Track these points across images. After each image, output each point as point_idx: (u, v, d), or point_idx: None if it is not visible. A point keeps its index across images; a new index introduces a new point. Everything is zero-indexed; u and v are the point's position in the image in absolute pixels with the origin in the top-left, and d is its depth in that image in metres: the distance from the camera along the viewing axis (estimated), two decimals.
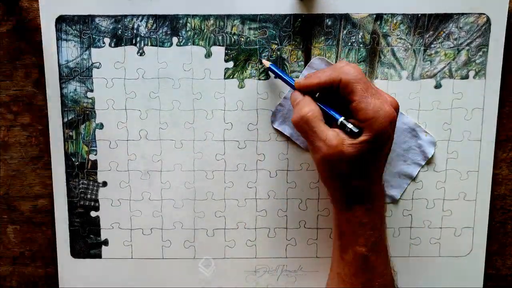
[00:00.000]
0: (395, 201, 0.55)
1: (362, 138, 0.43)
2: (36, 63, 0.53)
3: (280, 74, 0.50)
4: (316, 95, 0.47)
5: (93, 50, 0.52)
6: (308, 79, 0.46)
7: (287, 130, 0.53)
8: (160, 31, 0.52)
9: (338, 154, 0.43)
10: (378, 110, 0.42)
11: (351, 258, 0.46)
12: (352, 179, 0.44)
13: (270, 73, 0.52)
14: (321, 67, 0.52)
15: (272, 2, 0.51)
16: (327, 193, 0.49)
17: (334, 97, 0.45)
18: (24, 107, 0.54)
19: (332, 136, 0.43)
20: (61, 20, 0.51)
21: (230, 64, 0.52)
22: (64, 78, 0.53)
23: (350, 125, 0.43)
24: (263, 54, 0.52)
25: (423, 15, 0.52)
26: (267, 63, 0.51)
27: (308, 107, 0.45)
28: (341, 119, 0.44)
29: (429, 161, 0.54)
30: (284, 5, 0.52)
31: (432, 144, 0.53)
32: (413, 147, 0.53)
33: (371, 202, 0.46)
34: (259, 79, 0.53)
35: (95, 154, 0.54)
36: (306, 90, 0.46)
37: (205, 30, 0.52)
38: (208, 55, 0.52)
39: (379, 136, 0.43)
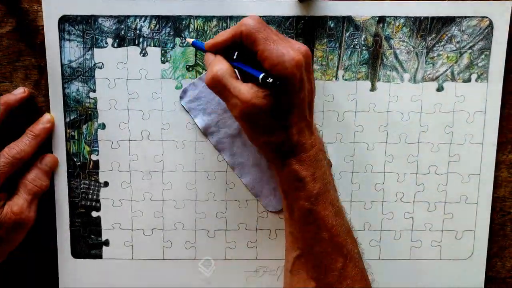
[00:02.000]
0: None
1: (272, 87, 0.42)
2: (36, 64, 0.53)
3: (199, 46, 0.49)
4: (234, 55, 0.46)
5: (95, 50, 0.52)
6: (214, 39, 0.46)
7: (193, 111, 0.53)
8: (163, 31, 0.52)
9: (253, 107, 0.42)
10: (282, 55, 0.41)
11: (297, 215, 0.46)
12: (274, 131, 0.44)
13: None
14: None
15: (275, 4, 0.52)
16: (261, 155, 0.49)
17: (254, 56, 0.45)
18: (23, 108, 0.54)
19: (245, 90, 0.42)
20: (64, 20, 0.51)
21: None
22: (67, 78, 0.52)
23: (270, 79, 0.42)
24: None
25: (426, 18, 0.52)
26: (190, 40, 0.50)
27: (218, 65, 0.44)
28: (262, 75, 0.42)
29: (431, 164, 0.54)
30: (287, 7, 0.52)
31: None
32: None
33: (305, 153, 0.45)
34: None
35: (97, 154, 0.54)
36: (216, 49, 0.46)
37: (208, 31, 0.52)
38: None
39: (288, 82, 0.42)
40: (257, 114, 0.43)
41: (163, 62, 0.53)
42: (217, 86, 0.44)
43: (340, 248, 0.46)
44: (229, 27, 0.52)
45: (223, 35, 0.45)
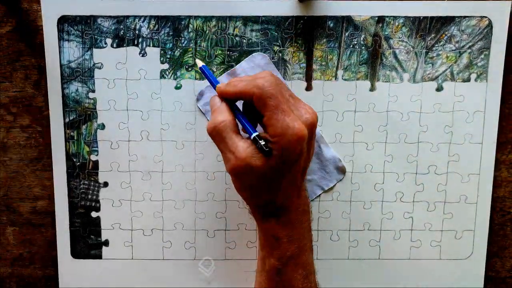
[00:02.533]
0: (323, 190, 0.55)
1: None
2: (36, 64, 0.53)
3: (208, 76, 0.48)
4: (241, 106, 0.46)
5: (95, 50, 0.52)
6: (227, 86, 0.45)
7: (209, 113, 0.53)
8: (162, 32, 0.52)
9: (245, 167, 0.42)
10: (287, 128, 0.41)
11: (267, 270, 0.46)
12: (262, 193, 0.44)
13: None
14: (262, 63, 0.52)
15: (274, 4, 0.52)
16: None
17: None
18: (23, 109, 0.54)
19: (241, 148, 0.42)
20: (63, 21, 0.51)
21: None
22: (66, 78, 0.52)
23: (262, 142, 0.42)
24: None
25: (425, 17, 0.52)
26: (200, 63, 0.49)
27: (222, 117, 0.44)
28: (254, 134, 0.43)
29: (430, 164, 0.54)
30: (286, 6, 0.52)
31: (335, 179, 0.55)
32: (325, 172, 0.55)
33: (286, 215, 0.45)
34: None
35: (96, 155, 0.54)
36: (226, 97, 0.45)
37: (207, 31, 0.52)
38: (209, 56, 0.52)
39: (287, 153, 0.42)
40: (247, 173, 0.43)
41: (162, 62, 0.53)
42: (217, 136, 0.44)
43: None
44: (228, 28, 0.52)
45: (237, 87, 0.44)
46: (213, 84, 0.47)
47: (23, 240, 0.57)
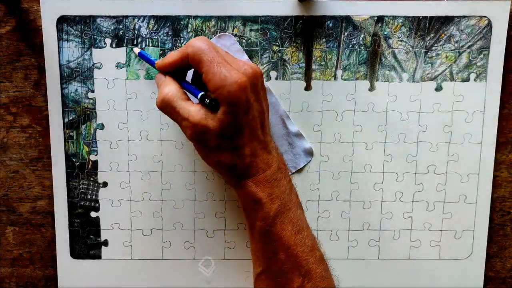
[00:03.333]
0: (291, 173, 0.55)
1: (220, 110, 0.42)
2: (36, 64, 0.53)
3: (148, 58, 0.49)
4: (187, 75, 0.46)
5: (94, 50, 0.52)
6: (164, 59, 0.46)
7: None
8: (161, 32, 0.52)
9: (202, 128, 0.43)
10: (224, 79, 0.41)
11: (256, 234, 0.46)
12: (224, 152, 0.44)
13: (270, 74, 0.52)
14: (228, 44, 0.52)
15: (274, 4, 0.52)
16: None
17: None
18: (23, 109, 0.54)
19: (194, 112, 0.43)
20: (62, 21, 0.51)
21: None
22: (65, 78, 0.52)
23: (207, 100, 0.42)
24: (264, 56, 0.52)
25: (424, 17, 0.52)
26: (136, 50, 0.50)
27: (168, 88, 0.44)
28: (200, 94, 0.43)
29: (429, 164, 0.54)
30: (286, 6, 0.52)
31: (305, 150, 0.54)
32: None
33: (259, 174, 0.45)
34: None
35: (96, 155, 0.54)
36: (167, 70, 0.46)
37: (207, 31, 0.52)
38: None
39: (233, 104, 0.42)
40: (206, 135, 0.43)
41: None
42: (167, 108, 0.44)
43: (298, 268, 0.45)
44: (228, 27, 0.52)
45: (172, 56, 0.45)
46: (153, 64, 0.48)
47: (22, 240, 0.57)
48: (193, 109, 0.43)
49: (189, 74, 0.49)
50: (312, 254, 0.46)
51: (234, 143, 0.44)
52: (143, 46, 0.52)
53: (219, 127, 0.42)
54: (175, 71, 0.46)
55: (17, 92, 0.54)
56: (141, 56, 0.50)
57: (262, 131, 0.45)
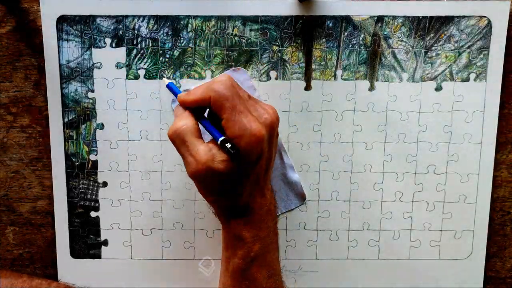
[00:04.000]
0: (281, 212, 0.55)
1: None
2: (36, 64, 0.53)
3: (175, 91, 0.48)
4: (206, 112, 0.46)
5: (94, 50, 0.52)
6: (187, 95, 0.45)
7: None
8: (161, 31, 0.52)
9: (207, 170, 0.42)
10: (244, 129, 0.41)
11: (231, 271, 0.46)
12: (225, 195, 0.44)
13: (270, 74, 0.52)
14: (242, 79, 0.52)
15: (273, 4, 0.52)
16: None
17: None
18: (23, 109, 0.54)
19: (202, 152, 0.42)
20: (62, 20, 0.51)
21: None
22: (65, 78, 0.52)
23: (229, 144, 0.42)
24: (264, 56, 0.52)
25: (424, 17, 0.52)
26: (166, 81, 0.49)
27: (183, 121, 0.43)
28: (221, 138, 0.42)
29: (429, 164, 0.54)
30: (286, 6, 0.52)
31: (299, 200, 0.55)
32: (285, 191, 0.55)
33: (250, 215, 0.45)
34: (260, 80, 0.53)
35: (96, 154, 0.54)
36: (187, 106, 0.45)
37: (206, 31, 0.52)
38: (208, 56, 0.52)
39: (247, 154, 0.42)
40: (209, 177, 0.42)
41: (161, 62, 0.53)
42: (177, 140, 0.43)
43: None
44: (227, 27, 0.52)
45: (195, 94, 0.44)
46: (176, 95, 0.47)
47: (22, 240, 0.57)
48: (202, 149, 0.42)
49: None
50: None
51: (235, 189, 0.44)
52: (143, 46, 0.52)
53: (225, 172, 0.42)
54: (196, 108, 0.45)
55: (17, 92, 0.54)
56: (169, 88, 0.49)
57: (264, 176, 0.46)
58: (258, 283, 0.46)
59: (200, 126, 0.45)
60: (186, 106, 0.45)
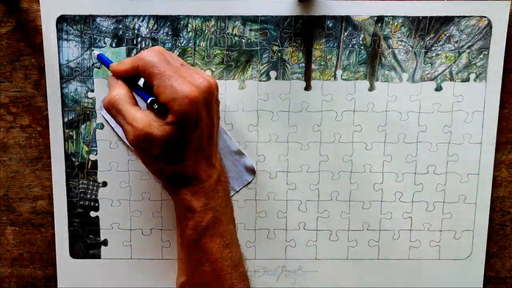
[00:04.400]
0: (235, 191, 0.55)
1: (168, 119, 0.42)
2: (36, 64, 0.53)
3: (105, 61, 0.48)
4: (140, 81, 0.46)
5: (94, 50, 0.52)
6: (118, 65, 0.45)
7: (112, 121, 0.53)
8: (161, 31, 0.52)
9: (145, 136, 0.42)
10: (175, 92, 0.41)
11: (185, 243, 0.46)
12: (168, 162, 0.44)
13: (270, 74, 0.52)
14: None
15: (273, 4, 0.51)
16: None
17: None
18: (23, 109, 0.54)
19: (139, 118, 0.42)
20: (62, 20, 0.51)
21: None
22: (65, 78, 0.52)
23: (156, 105, 0.42)
24: (264, 56, 0.52)
25: (424, 17, 0.52)
26: (96, 52, 0.50)
27: (116, 90, 0.44)
28: (150, 99, 0.42)
29: (429, 164, 0.54)
30: (285, 6, 0.52)
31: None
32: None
33: (198, 184, 0.45)
34: (259, 80, 0.53)
35: (95, 154, 0.54)
36: (119, 75, 0.45)
37: (206, 31, 0.52)
38: (208, 56, 0.52)
39: (183, 118, 0.41)
40: (149, 143, 0.42)
41: None
42: (113, 110, 0.44)
43: (221, 282, 0.46)
44: (227, 27, 0.52)
45: (124, 64, 0.44)
46: (108, 66, 0.47)
47: (22, 240, 0.57)
48: (139, 115, 0.42)
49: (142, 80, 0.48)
50: (236, 269, 0.47)
51: (178, 155, 0.43)
52: (143, 46, 0.52)
53: (164, 137, 0.42)
54: (129, 78, 0.45)
55: (17, 92, 0.54)
56: (100, 59, 0.49)
57: (208, 143, 0.45)
58: (211, 253, 0.45)
59: (138, 97, 0.45)
60: (118, 76, 0.45)
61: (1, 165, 0.55)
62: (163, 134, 0.42)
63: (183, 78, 0.42)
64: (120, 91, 0.44)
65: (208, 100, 0.43)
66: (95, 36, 0.52)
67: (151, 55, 0.42)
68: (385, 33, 0.52)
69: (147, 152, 0.43)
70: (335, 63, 0.53)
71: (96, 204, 0.55)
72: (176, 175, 0.45)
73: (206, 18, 0.52)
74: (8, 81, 0.53)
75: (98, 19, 0.52)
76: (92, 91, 0.53)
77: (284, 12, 0.52)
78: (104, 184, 0.55)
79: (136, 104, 0.44)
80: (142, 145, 0.43)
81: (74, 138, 0.54)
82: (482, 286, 0.56)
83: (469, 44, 0.52)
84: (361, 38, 0.52)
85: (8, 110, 0.54)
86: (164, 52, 0.44)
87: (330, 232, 0.56)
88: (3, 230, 0.56)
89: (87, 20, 0.51)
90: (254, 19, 0.52)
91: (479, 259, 0.56)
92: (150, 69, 0.42)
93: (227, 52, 0.52)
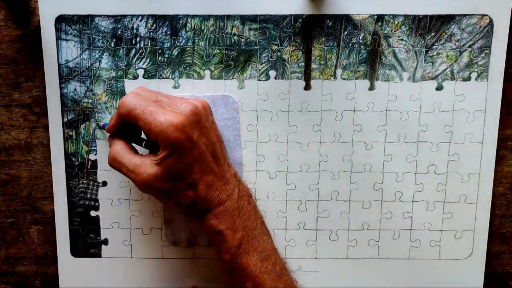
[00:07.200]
0: None
1: (161, 154, 0.43)
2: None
3: (104, 126, 0.51)
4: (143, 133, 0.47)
5: (93, 49, 0.52)
6: (109, 122, 0.47)
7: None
8: (160, 31, 0.52)
9: (147, 177, 0.43)
10: (160, 124, 0.42)
11: (223, 265, 0.47)
12: (180, 193, 0.44)
13: (269, 74, 0.52)
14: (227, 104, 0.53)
15: (273, 3, 0.51)
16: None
17: None
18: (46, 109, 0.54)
19: (139, 162, 0.43)
20: (61, 20, 0.51)
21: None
22: (64, 78, 0.52)
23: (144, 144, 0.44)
24: (263, 55, 0.52)
25: (425, 16, 0.51)
26: (101, 124, 0.52)
27: (113, 148, 0.46)
28: (144, 141, 0.46)
29: (430, 163, 0.54)
30: (285, 5, 0.51)
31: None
32: None
33: (219, 206, 0.45)
34: (259, 80, 0.53)
35: (95, 154, 0.54)
36: (112, 132, 0.47)
37: (205, 30, 0.52)
38: (207, 55, 0.52)
39: (175, 146, 0.42)
40: (155, 182, 0.43)
41: (160, 61, 0.52)
42: (116, 165, 0.45)
43: None
44: (226, 27, 0.51)
45: (112, 119, 0.46)
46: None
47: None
48: (136, 160, 0.44)
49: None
50: (280, 279, 0.47)
51: (186, 182, 0.44)
52: (142, 45, 0.52)
53: (164, 170, 0.43)
54: (125, 130, 0.47)
55: (40, 92, 0.54)
56: (104, 128, 0.51)
57: (215, 162, 0.45)
58: (251, 270, 0.45)
59: (139, 147, 0.47)
60: (112, 132, 0.47)
61: (25, 165, 0.55)
62: (163, 168, 0.43)
63: (165, 110, 0.43)
64: (117, 146, 0.46)
65: (197, 121, 0.44)
66: (94, 36, 0.52)
67: (129, 99, 0.44)
68: (386, 32, 0.52)
69: (159, 192, 0.44)
70: (335, 62, 0.52)
71: (96, 204, 0.55)
72: (194, 204, 0.45)
73: (205, 18, 0.51)
74: (31, 81, 0.53)
75: (96, 19, 0.51)
76: (92, 90, 0.53)
77: (284, 11, 0.51)
78: (104, 183, 0.55)
79: (136, 152, 0.45)
80: (151, 187, 0.44)
81: (74, 138, 0.54)
82: (482, 286, 0.56)
83: (471, 42, 0.52)
84: (361, 37, 0.52)
85: (31, 110, 0.54)
86: (142, 90, 0.45)
87: (330, 231, 0.56)
88: (28, 229, 0.57)
89: (85, 20, 0.51)
90: (253, 18, 0.51)
91: (480, 259, 0.56)
92: (132, 112, 0.43)
93: (226, 52, 0.52)
